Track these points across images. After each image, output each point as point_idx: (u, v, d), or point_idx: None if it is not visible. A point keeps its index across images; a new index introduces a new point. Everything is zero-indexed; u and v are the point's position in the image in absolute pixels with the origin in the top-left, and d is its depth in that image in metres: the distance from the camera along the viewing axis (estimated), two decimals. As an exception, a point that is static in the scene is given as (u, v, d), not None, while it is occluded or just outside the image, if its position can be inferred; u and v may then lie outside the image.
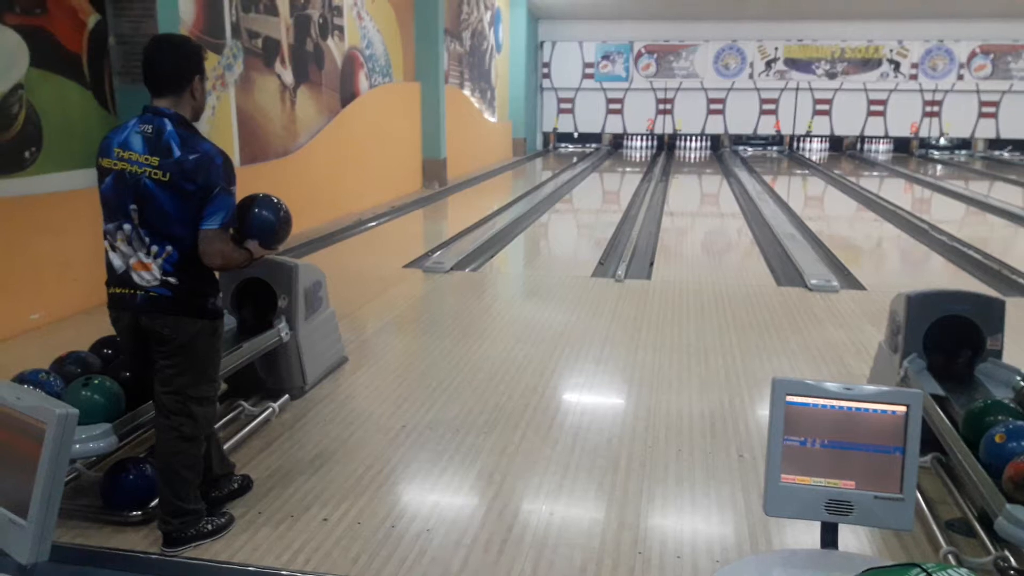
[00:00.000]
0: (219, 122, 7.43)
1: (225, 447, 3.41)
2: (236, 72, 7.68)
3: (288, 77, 8.73)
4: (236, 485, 3.11)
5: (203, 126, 7.41)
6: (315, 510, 3.02)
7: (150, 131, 2.58)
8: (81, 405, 2.79)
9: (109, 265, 2.71)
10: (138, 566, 2.71)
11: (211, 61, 7.26)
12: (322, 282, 4.44)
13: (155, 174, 2.55)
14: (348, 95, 10.28)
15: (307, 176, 9.02)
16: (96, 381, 2.95)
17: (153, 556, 2.72)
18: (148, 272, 2.63)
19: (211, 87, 7.24)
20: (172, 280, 2.63)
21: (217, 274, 2.79)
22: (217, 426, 3.61)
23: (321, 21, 9.51)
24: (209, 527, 2.84)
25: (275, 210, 2.85)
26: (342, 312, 5.17)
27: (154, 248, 2.61)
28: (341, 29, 10.07)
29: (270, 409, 3.83)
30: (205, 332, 2.73)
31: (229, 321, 4.11)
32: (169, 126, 2.58)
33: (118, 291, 2.69)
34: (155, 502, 2.92)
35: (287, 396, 4.02)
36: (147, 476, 2.98)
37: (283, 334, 3.99)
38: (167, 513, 2.76)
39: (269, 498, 3.10)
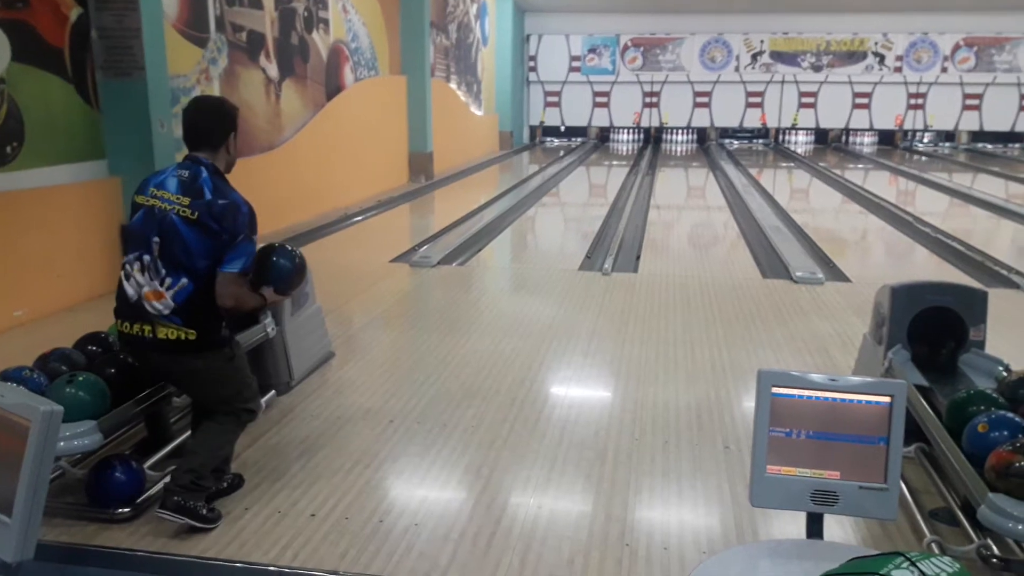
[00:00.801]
0: (203, 116, 7.37)
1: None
2: (220, 66, 7.63)
3: (273, 71, 8.68)
4: (226, 484, 3.10)
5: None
6: (302, 505, 3.01)
7: (186, 176, 2.81)
8: (66, 402, 2.75)
9: (121, 295, 2.85)
10: (124, 563, 2.71)
11: (195, 55, 7.21)
12: (308, 277, 4.42)
13: (184, 212, 2.75)
14: (333, 88, 10.24)
15: (292, 170, 8.98)
16: (81, 378, 2.93)
17: (139, 553, 2.71)
18: (161, 301, 2.76)
19: (195, 81, 7.19)
20: (183, 312, 2.76)
21: None
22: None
23: (306, 14, 9.46)
24: (203, 511, 2.84)
25: (291, 259, 3.10)
26: (329, 307, 5.16)
27: (168, 280, 2.75)
28: (326, 22, 10.02)
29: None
30: (220, 360, 2.90)
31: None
32: (204, 174, 2.81)
33: (128, 330, 2.83)
34: (142, 498, 2.92)
35: (273, 392, 4.01)
36: (133, 473, 2.97)
37: (269, 330, 3.97)
38: (186, 470, 2.81)
39: (256, 493, 3.09)
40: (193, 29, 7.15)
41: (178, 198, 2.76)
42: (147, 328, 2.77)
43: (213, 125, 2.89)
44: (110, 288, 6.07)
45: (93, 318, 5.10)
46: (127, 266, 2.82)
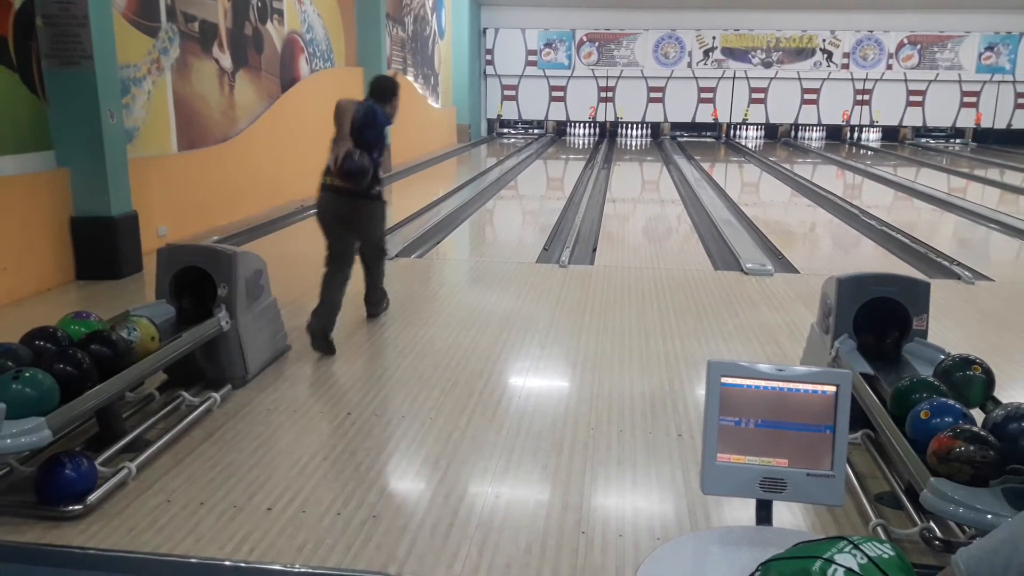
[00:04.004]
0: (155, 107, 7.23)
1: (166, 438, 3.40)
2: (172, 56, 7.49)
3: (226, 61, 8.54)
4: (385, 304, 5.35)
5: (139, 112, 7.22)
6: (259, 499, 2.99)
7: (367, 108, 4.75)
8: (11, 399, 2.73)
9: (329, 163, 4.64)
10: (75, 562, 2.64)
11: (145, 44, 7.06)
12: (263, 270, 4.39)
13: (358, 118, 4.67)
14: (288, 80, 10.11)
15: (247, 162, 8.85)
16: (27, 374, 2.87)
17: (91, 551, 2.66)
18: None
19: (146, 71, 7.05)
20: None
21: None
22: (157, 416, 3.61)
23: (260, 4, 9.32)
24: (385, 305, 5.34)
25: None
26: (286, 300, 5.11)
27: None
28: (280, 13, 9.89)
29: (212, 399, 3.77)
30: (378, 208, 4.92)
31: (169, 311, 4.04)
32: (380, 112, 4.81)
33: (329, 182, 4.67)
34: (94, 495, 2.88)
35: (229, 386, 3.96)
36: (84, 469, 2.92)
37: (223, 323, 3.93)
38: (375, 298, 5.24)
39: (211, 488, 3.07)
40: (143, 18, 7.00)
41: (364, 117, 4.69)
42: (337, 181, 4.59)
43: (385, 90, 4.91)
44: (59, 282, 6.00)
45: (41, 312, 4.98)
46: (333, 146, 4.60)
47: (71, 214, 6.01)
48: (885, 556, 1.39)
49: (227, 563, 2.61)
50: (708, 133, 22.10)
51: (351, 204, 4.68)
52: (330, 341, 4.56)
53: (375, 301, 5.26)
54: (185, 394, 3.78)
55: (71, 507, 2.84)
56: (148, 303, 4.13)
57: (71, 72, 5.80)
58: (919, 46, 21.08)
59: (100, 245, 6.07)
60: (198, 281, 4.07)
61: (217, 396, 3.80)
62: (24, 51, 5.66)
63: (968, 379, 3.10)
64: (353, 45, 12.36)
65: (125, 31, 6.67)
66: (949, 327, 5.02)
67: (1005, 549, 1.18)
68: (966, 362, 3.17)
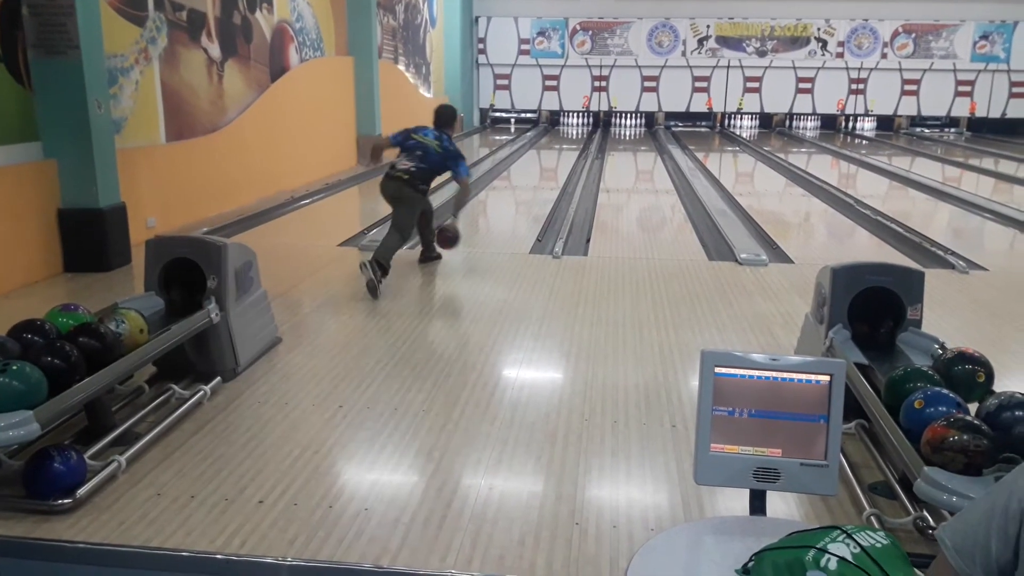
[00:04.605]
0: (143, 97, 7.17)
1: (156, 431, 3.38)
2: (160, 45, 7.42)
3: (215, 51, 8.47)
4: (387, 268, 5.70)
5: (127, 102, 7.16)
6: (250, 492, 2.97)
7: (439, 135, 6.29)
8: (-2, 392, 2.69)
9: (395, 164, 6.19)
10: (65, 556, 2.65)
11: (133, 33, 6.99)
12: (253, 262, 4.35)
13: (435, 147, 6.18)
14: (278, 69, 10.04)
15: (237, 152, 8.80)
16: (15, 367, 2.83)
17: (80, 545, 2.65)
18: (405, 167, 6.09)
19: (133, 61, 6.98)
20: (413, 173, 6.08)
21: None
22: (147, 409, 3.58)
23: (249, -7, 9.23)
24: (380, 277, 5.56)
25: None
26: (276, 292, 5.08)
27: (415, 163, 6.10)
28: (270, 1, 9.81)
29: (202, 392, 3.74)
30: (419, 199, 6.13)
31: (158, 303, 4.01)
32: (446, 139, 6.25)
33: (393, 172, 6.08)
34: (83, 489, 2.85)
35: (219, 378, 3.93)
36: (73, 463, 2.89)
37: (213, 315, 3.90)
38: (381, 258, 5.58)
39: (202, 481, 3.04)
40: (130, 7, 6.93)
41: (431, 140, 6.20)
42: (398, 173, 6.05)
43: (451, 116, 6.46)
44: (46, 274, 5.95)
45: (29, 305, 4.94)
46: (404, 154, 6.18)
47: (58, 206, 5.96)
48: (878, 545, 1.39)
49: (218, 556, 2.61)
50: (702, 123, 22.06)
51: (403, 187, 6.06)
52: (378, 276, 5.55)
53: (381, 258, 5.70)
54: (175, 387, 3.75)
55: (60, 501, 2.81)
56: (137, 295, 4.09)
57: (58, 62, 5.74)
58: (914, 35, 21.05)
59: (88, 237, 6.02)
60: (187, 273, 4.04)
61: (207, 389, 3.78)
62: (10, 41, 5.59)
63: (971, 380, 3.04)
64: (344, 34, 12.28)
65: (112, 20, 6.60)
66: (943, 316, 5.02)
67: (986, 520, 1.21)
68: (968, 359, 3.10)
